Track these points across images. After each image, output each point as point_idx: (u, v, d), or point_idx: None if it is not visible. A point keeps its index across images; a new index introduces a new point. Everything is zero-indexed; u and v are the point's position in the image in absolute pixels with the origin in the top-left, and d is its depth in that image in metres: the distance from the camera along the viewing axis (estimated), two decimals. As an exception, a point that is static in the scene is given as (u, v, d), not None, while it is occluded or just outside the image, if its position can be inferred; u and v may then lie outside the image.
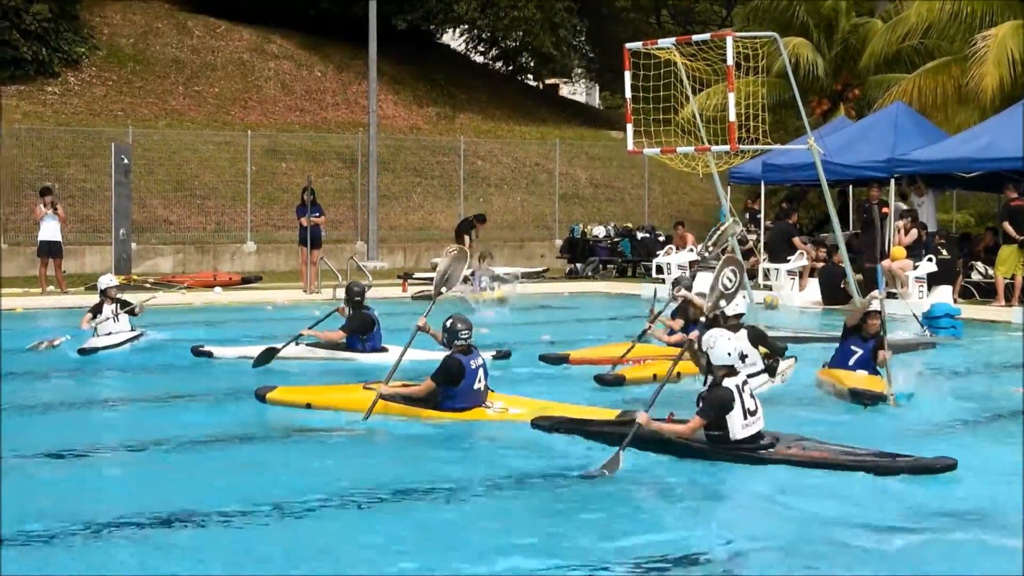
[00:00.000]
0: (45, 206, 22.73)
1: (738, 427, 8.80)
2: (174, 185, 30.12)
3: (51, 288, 22.61)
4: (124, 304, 15.71)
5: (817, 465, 8.65)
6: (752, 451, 8.83)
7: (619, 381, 12.49)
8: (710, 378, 9.01)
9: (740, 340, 11.95)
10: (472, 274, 23.53)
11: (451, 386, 10.32)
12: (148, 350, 15.33)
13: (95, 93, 32.97)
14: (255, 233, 29.47)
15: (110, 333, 15.39)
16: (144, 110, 32.91)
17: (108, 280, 15.99)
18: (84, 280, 24.11)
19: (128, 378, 13.71)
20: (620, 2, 42.90)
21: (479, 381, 10.40)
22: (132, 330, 15.73)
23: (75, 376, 13.58)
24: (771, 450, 8.87)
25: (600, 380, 12.53)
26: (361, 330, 14.02)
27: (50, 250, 22.73)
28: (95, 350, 14.89)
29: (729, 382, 8.86)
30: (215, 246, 28.88)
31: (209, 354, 14.42)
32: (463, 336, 10.41)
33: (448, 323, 10.53)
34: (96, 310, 15.57)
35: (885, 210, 23.17)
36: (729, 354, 8.88)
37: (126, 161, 25.55)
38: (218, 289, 23.98)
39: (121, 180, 25.46)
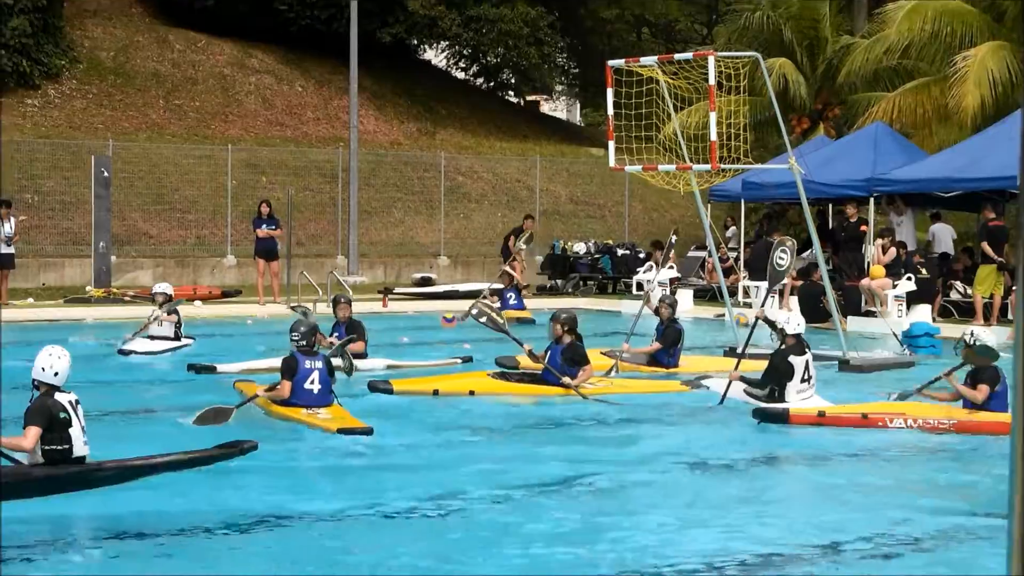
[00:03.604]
0: (3, 218, 22.57)
1: (80, 442, 8.21)
2: (154, 198, 30.02)
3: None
4: (172, 311, 16.16)
5: (148, 472, 8.61)
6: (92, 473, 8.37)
7: (387, 390, 12.89)
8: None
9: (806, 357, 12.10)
10: (493, 291, 23.33)
11: (290, 379, 11.19)
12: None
13: (75, 106, 32.86)
14: (235, 247, 29.36)
15: (152, 337, 15.98)
16: (124, 123, 32.82)
17: (162, 287, 16.56)
18: (64, 293, 23.99)
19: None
20: (604, 13, 43.11)
21: (311, 382, 11.09)
22: (176, 339, 16.00)
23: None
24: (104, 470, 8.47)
25: (372, 387, 12.92)
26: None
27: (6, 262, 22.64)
28: (133, 352, 15.74)
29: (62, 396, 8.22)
30: (195, 260, 28.78)
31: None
32: (294, 338, 11.38)
33: (293, 325, 11.73)
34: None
35: (864, 228, 23.29)
36: None
37: (106, 174, 25.46)
38: (198, 303, 23.90)
39: (101, 193, 25.36)
